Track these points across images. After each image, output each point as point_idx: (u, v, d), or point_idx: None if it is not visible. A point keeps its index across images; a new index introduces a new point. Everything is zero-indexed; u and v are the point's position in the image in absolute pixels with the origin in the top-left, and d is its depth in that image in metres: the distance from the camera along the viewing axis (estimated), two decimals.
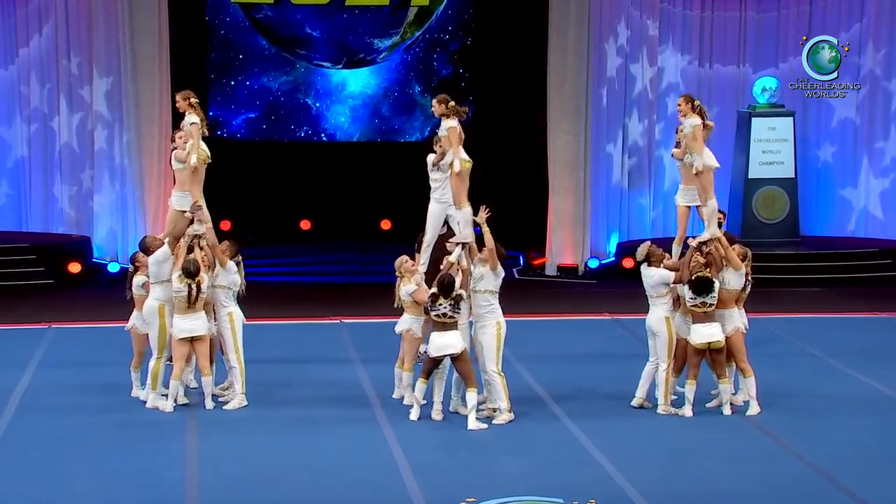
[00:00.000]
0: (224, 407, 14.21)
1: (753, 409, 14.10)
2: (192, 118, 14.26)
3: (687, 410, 13.95)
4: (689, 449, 12.92)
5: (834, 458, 12.51)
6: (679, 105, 14.34)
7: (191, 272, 13.86)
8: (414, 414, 13.72)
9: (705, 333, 13.87)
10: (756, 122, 23.35)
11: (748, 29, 24.11)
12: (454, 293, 13.41)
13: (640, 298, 18.72)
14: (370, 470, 12.18)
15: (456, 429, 13.49)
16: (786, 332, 18.27)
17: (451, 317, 13.43)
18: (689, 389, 13.98)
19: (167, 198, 22.61)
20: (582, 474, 12.07)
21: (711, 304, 13.86)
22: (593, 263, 23.38)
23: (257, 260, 22.88)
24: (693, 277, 13.93)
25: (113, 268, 22.76)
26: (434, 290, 13.49)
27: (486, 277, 13.70)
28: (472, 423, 13.49)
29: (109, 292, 21.49)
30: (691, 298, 13.89)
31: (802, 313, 19.96)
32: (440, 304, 13.40)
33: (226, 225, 22.57)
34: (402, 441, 12.99)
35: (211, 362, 14.29)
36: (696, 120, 14.16)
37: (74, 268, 22.17)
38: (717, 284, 13.88)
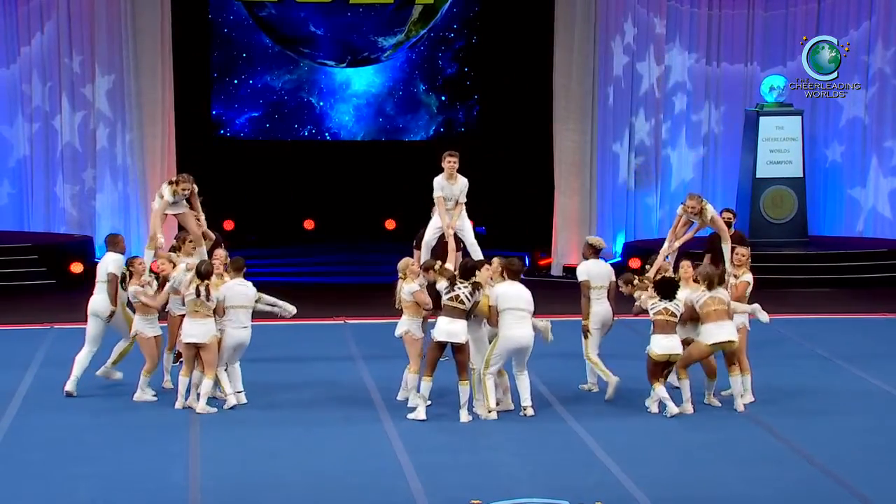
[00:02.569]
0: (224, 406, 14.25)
1: (742, 404, 14.08)
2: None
3: (671, 408, 13.85)
4: (696, 451, 12.84)
5: (843, 461, 12.42)
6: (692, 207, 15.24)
7: (201, 273, 14.11)
8: (421, 413, 13.65)
9: (665, 345, 13.82)
10: (764, 121, 23.27)
11: (756, 27, 24.07)
12: (472, 279, 13.53)
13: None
14: (374, 471, 12.13)
15: (460, 430, 13.42)
16: (794, 333, 18.19)
17: (462, 302, 13.47)
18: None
19: None
20: (588, 476, 11.99)
21: (674, 314, 13.81)
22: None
23: (261, 260, 22.82)
24: (659, 279, 13.99)
25: None
26: (455, 273, 13.70)
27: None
28: (464, 417, 13.56)
29: None
30: (653, 305, 13.83)
31: (810, 314, 19.91)
32: (458, 286, 13.48)
33: (229, 225, 22.48)
34: (406, 442, 12.92)
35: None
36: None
37: (76, 268, 22.09)
38: (681, 293, 13.87)
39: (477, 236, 16.53)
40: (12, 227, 23.31)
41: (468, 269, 13.70)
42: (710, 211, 15.45)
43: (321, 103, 24.51)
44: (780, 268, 22.52)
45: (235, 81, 24.23)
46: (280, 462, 12.38)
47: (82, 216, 23.19)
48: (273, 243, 23.46)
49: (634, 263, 21.35)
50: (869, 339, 18.16)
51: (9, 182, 23.38)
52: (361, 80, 24.47)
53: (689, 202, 15.43)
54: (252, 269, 22.71)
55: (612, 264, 23.00)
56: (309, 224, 24.98)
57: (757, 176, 23.31)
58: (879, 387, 15.34)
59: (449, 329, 13.50)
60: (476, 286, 13.57)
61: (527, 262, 23.80)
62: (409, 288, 14.20)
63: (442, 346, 13.60)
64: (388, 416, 13.86)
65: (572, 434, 13.33)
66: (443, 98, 24.62)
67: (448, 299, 13.54)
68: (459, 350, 13.56)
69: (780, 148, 23.32)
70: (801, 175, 23.43)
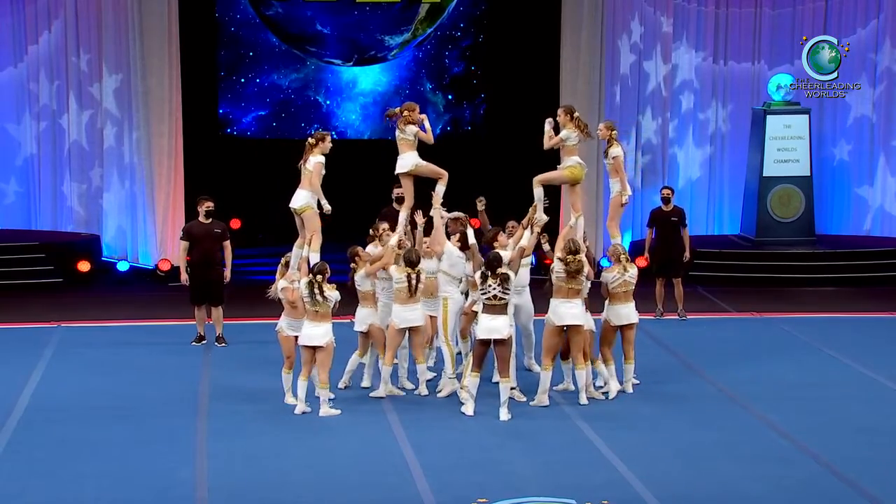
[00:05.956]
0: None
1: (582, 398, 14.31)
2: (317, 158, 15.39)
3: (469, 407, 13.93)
4: (703, 450, 12.81)
5: (850, 460, 12.41)
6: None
7: (412, 261, 14.34)
8: (469, 408, 13.71)
9: (625, 314, 14.73)
10: (771, 120, 23.18)
11: (763, 25, 23.94)
12: (500, 271, 13.56)
13: (650, 297, 18.80)
14: (381, 470, 12.12)
15: (467, 429, 13.40)
16: (801, 332, 18.14)
17: (500, 298, 13.54)
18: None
19: (176, 195, 22.77)
20: (594, 475, 11.98)
21: (632, 283, 14.68)
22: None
23: (268, 258, 22.72)
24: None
25: (122, 266, 22.63)
26: (483, 269, 13.73)
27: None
28: (504, 415, 13.57)
29: (119, 291, 21.49)
30: (614, 278, 14.69)
31: (818, 312, 19.83)
32: (490, 285, 13.53)
33: (236, 223, 22.42)
34: (413, 441, 12.91)
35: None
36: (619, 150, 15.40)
37: (84, 266, 22.01)
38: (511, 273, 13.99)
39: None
40: (20, 226, 23.23)
41: (493, 262, 13.68)
42: (618, 152, 15.44)
43: (328, 102, 24.43)
44: (788, 266, 22.46)
45: (242, 80, 24.17)
46: (286, 460, 12.37)
47: (89, 215, 23.10)
48: (281, 241, 23.34)
49: (640, 263, 21.26)
50: (876, 337, 18.09)
51: (16, 180, 23.32)
52: (368, 79, 24.39)
53: (600, 125, 15.76)
54: (260, 267, 22.76)
55: None
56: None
57: (764, 174, 23.20)
58: (887, 385, 15.31)
59: (490, 326, 13.58)
60: (505, 278, 13.58)
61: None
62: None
63: (486, 342, 13.64)
64: (395, 415, 13.84)
65: (579, 433, 13.30)
66: (449, 97, 24.56)
67: (486, 300, 13.60)
68: (501, 345, 13.60)
69: (787, 146, 23.21)
70: (809, 174, 23.32)
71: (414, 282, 14.21)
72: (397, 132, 15.11)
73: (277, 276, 14.48)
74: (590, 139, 15.29)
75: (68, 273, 21.87)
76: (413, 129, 14.98)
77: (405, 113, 14.99)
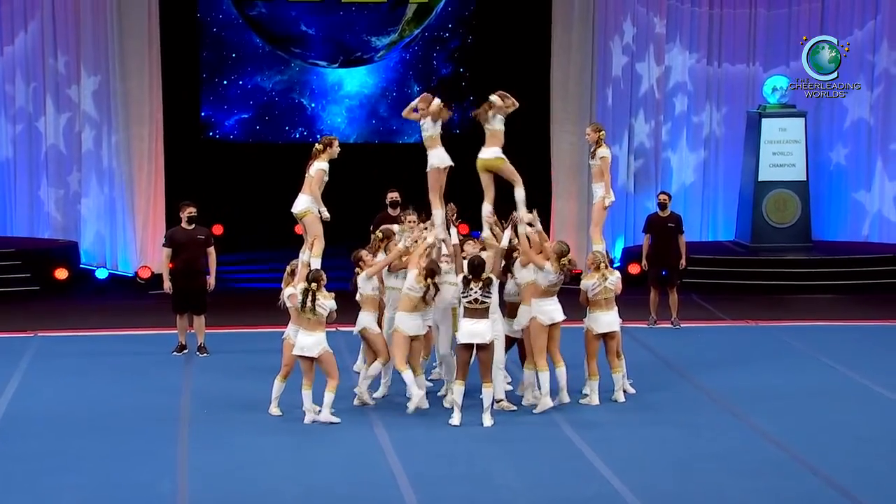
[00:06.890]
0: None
1: (544, 403, 14.02)
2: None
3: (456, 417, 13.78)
4: (697, 461, 12.67)
5: (849, 472, 12.26)
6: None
7: (433, 272, 13.95)
8: (456, 419, 13.62)
9: (608, 322, 14.55)
10: (766, 123, 23.10)
11: (758, 26, 23.97)
12: (484, 276, 13.59)
13: (644, 305, 18.60)
14: (368, 482, 12.00)
15: (456, 439, 13.28)
16: (797, 340, 18.06)
17: (482, 302, 13.57)
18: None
19: (157, 201, 22.54)
20: (585, 487, 11.85)
21: (612, 290, 14.59)
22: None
23: (251, 265, 22.48)
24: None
25: (101, 274, 22.42)
26: (464, 273, 13.74)
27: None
28: (487, 421, 13.57)
29: (97, 299, 21.28)
30: (595, 285, 14.55)
31: (814, 320, 19.70)
32: (471, 289, 13.56)
33: (218, 229, 22.07)
34: (401, 452, 12.78)
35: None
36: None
37: (61, 274, 21.88)
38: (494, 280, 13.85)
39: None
40: None
41: (477, 267, 13.63)
42: (606, 153, 15.40)
43: (313, 105, 24.21)
44: (784, 273, 22.38)
45: (225, 82, 23.92)
46: (270, 472, 12.22)
47: (67, 221, 22.94)
48: (264, 248, 23.14)
49: (633, 269, 21.00)
50: (874, 346, 18.00)
51: None
52: (354, 81, 24.18)
53: (587, 128, 15.75)
54: (243, 274, 22.49)
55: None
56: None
57: (759, 179, 23.12)
58: (884, 395, 15.18)
59: (472, 330, 13.58)
60: (487, 282, 13.58)
61: None
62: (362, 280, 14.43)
63: (469, 347, 13.64)
64: (381, 425, 13.70)
65: (569, 444, 13.17)
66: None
67: (467, 302, 13.62)
68: (483, 350, 13.60)
69: (782, 150, 23.16)
70: (805, 178, 23.24)
71: (432, 292, 13.97)
72: (424, 125, 14.96)
73: (283, 283, 14.30)
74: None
75: (45, 281, 21.69)
76: (436, 125, 14.95)
77: (420, 106, 14.72)
